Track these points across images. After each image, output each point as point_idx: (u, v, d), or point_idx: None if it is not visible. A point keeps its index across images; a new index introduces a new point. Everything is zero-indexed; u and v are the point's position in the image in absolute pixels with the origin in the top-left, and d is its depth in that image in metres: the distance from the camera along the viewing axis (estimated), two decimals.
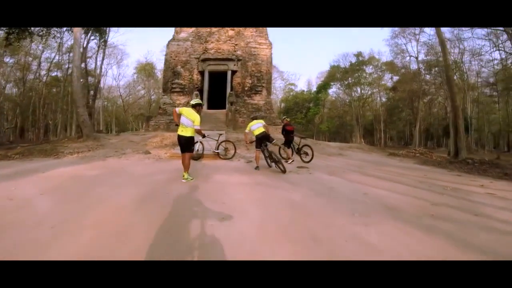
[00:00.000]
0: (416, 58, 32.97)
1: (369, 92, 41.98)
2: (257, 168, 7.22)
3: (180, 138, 5.62)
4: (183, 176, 5.54)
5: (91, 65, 27.91)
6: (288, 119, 10.14)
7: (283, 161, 7.20)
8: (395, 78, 38.40)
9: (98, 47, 27.57)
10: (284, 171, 6.67)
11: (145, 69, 45.51)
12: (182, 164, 5.72)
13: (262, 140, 7.21)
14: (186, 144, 5.65)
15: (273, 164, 7.19)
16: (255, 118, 7.84)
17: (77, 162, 7.80)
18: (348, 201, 4.22)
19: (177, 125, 5.71)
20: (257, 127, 7.33)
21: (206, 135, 6.85)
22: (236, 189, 4.87)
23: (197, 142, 8.49)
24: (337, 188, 5.16)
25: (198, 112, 5.78)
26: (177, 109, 5.77)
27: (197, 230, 2.80)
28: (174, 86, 20.63)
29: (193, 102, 5.91)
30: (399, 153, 15.20)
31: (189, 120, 5.58)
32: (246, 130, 7.71)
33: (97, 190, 4.52)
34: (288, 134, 9.19)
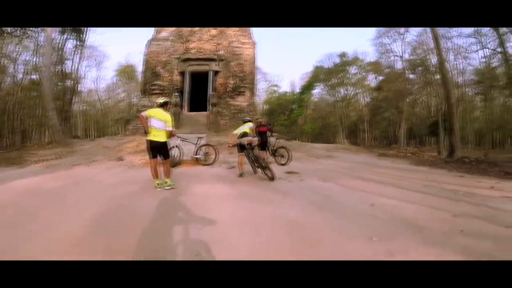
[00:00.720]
0: (401, 57, 33.03)
1: (353, 93, 41.77)
2: (241, 175, 6.35)
3: (153, 144, 4.82)
4: (166, 182, 4.86)
5: (70, 67, 26.30)
6: (262, 120, 9.62)
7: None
8: (380, 78, 38.31)
9: (75, 47, 26.11)
10: (272, 178, 5.86)
11: (126, 71, 43.77)
12: (152, 171, 4.93)
13: (245, 143, 6.37)
14: (161, 149, 4.90)
15: (259, 170, 6.36)
16: (246, 121, 7.07)
17: (40, 172, 6.93)
18: (356, 216, 3.42)
19: (146, 132, 4.89)
20: (242, 129, 6.53)
21: (183, 138, 6.05)
22: (217, 204, 3.97)
23: (174, 146, 7.61)
24: (337, 199, 4.37)
25: (168, 111, 5.02)
26: (143, 113, 4.91)
27: None
28: (153, 87, 19.56)
29: (161, 100, 5.15)
30: (389, 153, 14.65)
31: (161, 121, 4.82)
32: (234, 132, 6.83)
33: (50, 209, 3.67)
34: (261, 135, 8.47)
